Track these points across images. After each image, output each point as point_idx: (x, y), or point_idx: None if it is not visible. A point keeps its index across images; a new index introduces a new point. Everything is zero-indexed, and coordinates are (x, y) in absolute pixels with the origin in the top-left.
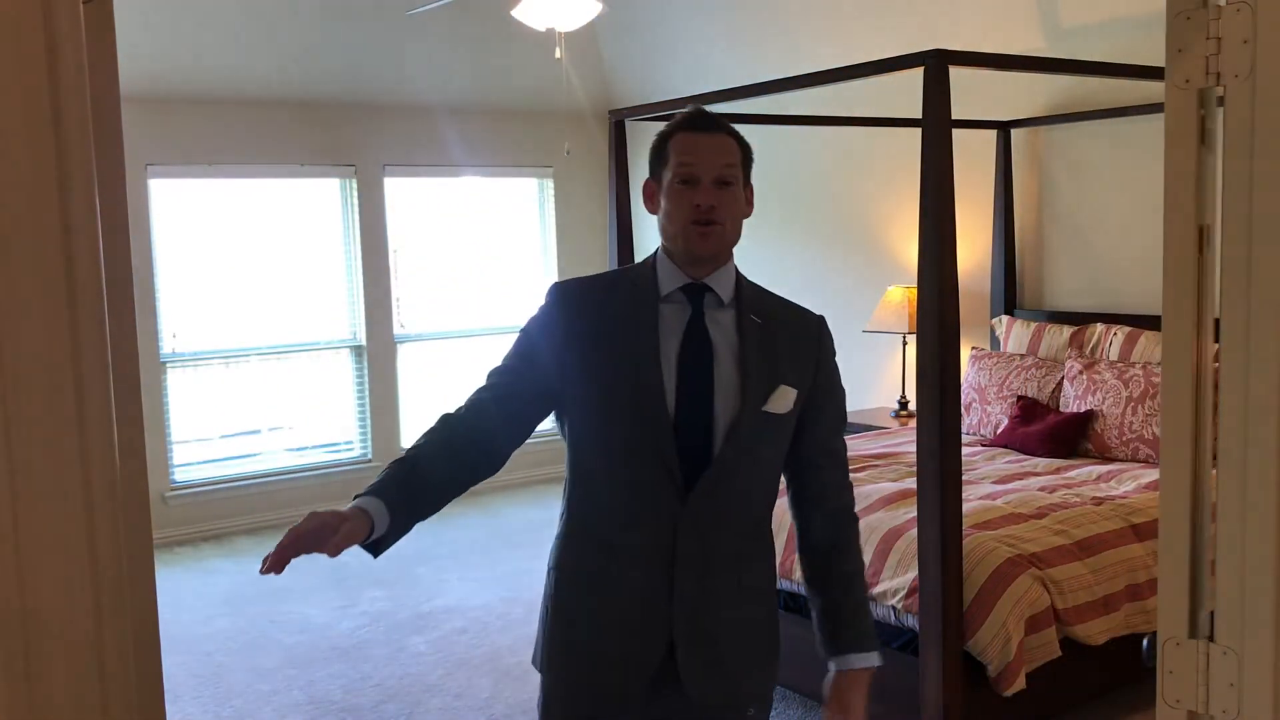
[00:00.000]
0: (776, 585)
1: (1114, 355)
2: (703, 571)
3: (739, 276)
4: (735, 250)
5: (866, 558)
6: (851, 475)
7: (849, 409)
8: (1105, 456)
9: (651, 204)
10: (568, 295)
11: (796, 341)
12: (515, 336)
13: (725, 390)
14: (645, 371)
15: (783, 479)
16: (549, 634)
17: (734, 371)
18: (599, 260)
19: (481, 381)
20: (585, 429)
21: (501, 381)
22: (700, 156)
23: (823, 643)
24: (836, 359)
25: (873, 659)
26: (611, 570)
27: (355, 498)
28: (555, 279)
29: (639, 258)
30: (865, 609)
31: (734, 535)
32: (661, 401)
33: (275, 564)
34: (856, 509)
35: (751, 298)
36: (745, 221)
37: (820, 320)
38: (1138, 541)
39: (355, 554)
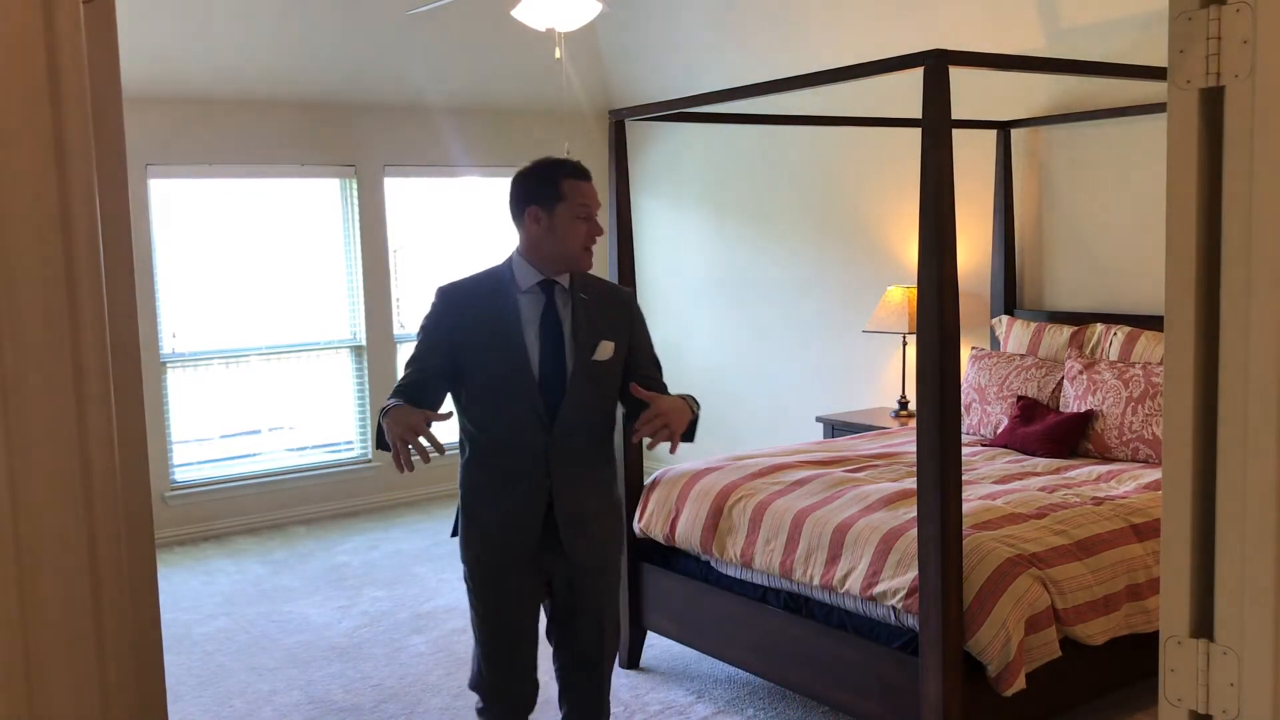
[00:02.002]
0: (619, 485)
1: (1114, 355)
2: (571, 476)
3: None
4: (731, 249)
5: (867, 558)
6: (851, 475)
7: (848, 408)
8: (1105, 456)
9: (537, 226)
10: (451, 295)
11: (613, 309)
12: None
13: (569, 351)
14: (515, 347)
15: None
16: (467, 530)
17: (572, 337)
18: (599, 259)
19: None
20: (478, 389)
21: (416, 369)
22: (592, 199)
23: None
24: (644, 315)
25: (691, 406)
26: (507, 482)
27: (390, 404)
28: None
29: (639, 256)
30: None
31: (587, 448)
32: (529, 366)
33: (407, 463)
34: (855, 509)
35: (580, 283)
36: (748, 225)
37: (630, 293)
38: (1138, 541)
39: (355, 553)
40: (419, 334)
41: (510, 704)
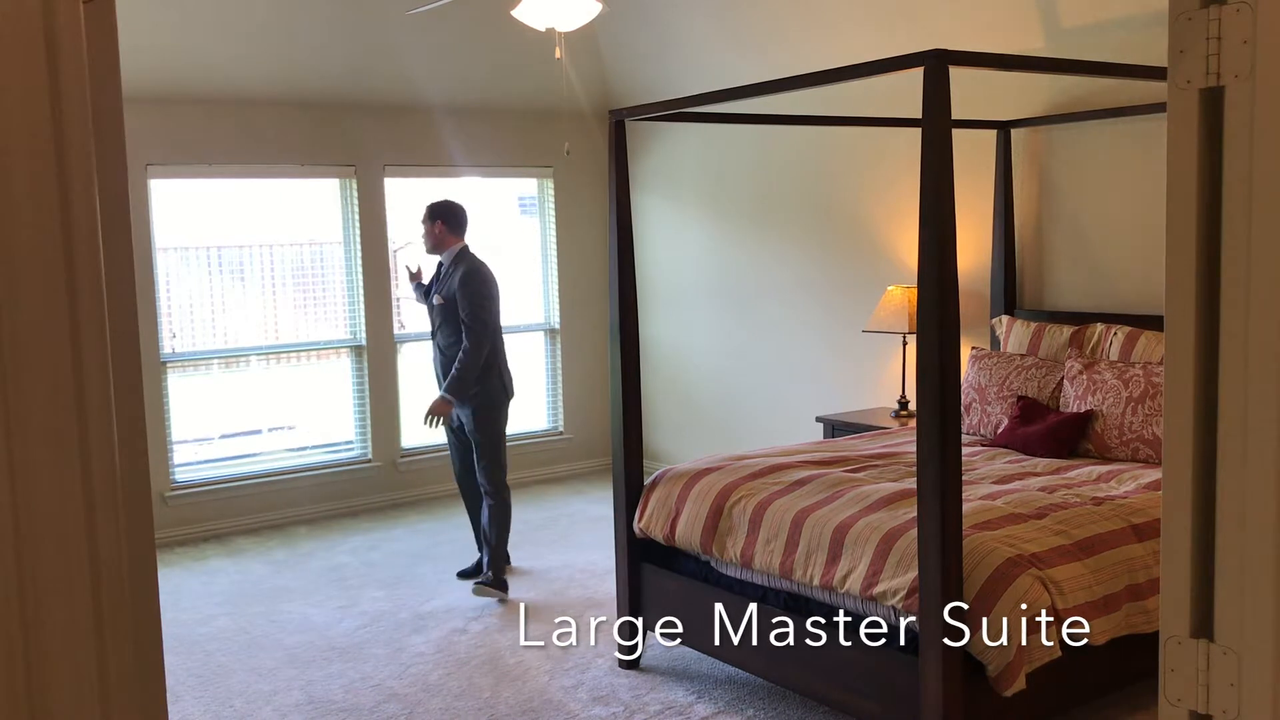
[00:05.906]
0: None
1: (1114, 355)
2: (444, 353)
3: (454, 255)
4: (731, 249)
5: (867, 558)
6: (851, 475)
7: (848, 408)
8: (1105, 456)
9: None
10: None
11: (454, 277)
12: (513, 335)
13: (433, 296)
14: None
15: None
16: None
17: (435, 290)
18: (600, 258)
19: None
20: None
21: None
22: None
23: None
24: (469, 286)
25: (446, 396)
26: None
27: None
28: (563, 279)
29: (638, 254)
30: (456, 381)
31: (448, 343)
32: (427, 304)
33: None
34: (855, 509)
35: (453, 261)
36: (748, 225)
37: (463, 269)
38: (1138, 541)
39: (355, 553)
40: None
41: (462, 486)
